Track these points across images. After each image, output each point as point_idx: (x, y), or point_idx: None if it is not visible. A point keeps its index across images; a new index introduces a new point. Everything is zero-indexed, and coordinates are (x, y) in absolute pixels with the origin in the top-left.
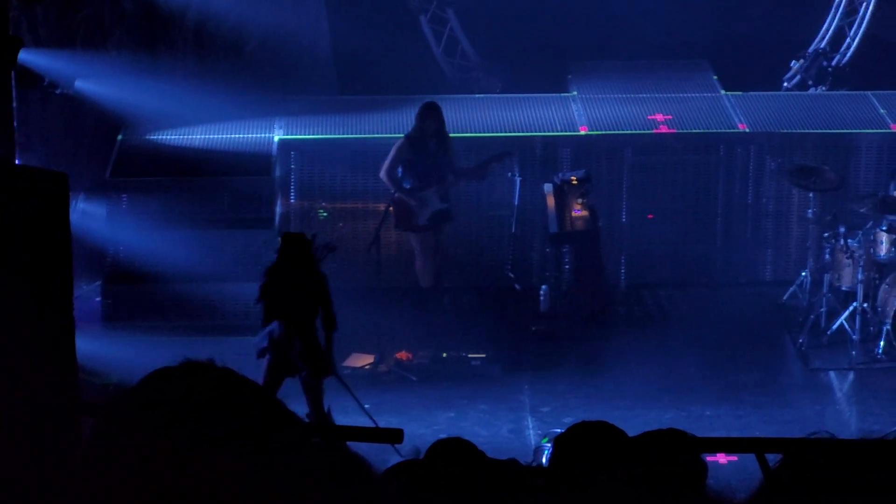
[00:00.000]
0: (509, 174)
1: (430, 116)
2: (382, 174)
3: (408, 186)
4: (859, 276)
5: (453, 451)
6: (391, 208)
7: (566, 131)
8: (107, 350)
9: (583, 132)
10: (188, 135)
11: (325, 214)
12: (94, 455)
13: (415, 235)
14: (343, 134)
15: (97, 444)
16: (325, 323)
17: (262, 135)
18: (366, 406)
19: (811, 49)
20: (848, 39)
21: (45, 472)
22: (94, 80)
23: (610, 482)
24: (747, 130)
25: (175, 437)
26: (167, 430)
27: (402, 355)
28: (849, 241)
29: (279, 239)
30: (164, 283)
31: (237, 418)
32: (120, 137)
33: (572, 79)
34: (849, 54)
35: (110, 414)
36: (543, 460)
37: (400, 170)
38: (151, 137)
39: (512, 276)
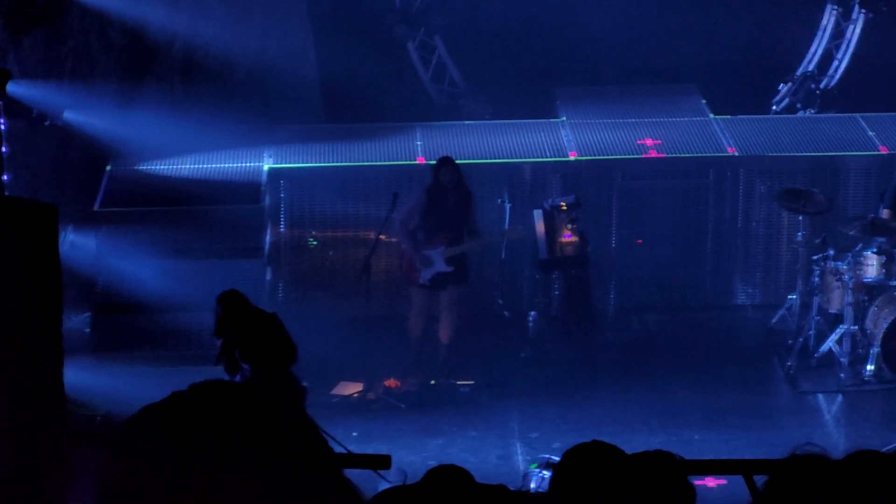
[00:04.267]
0: (499, 200)
1: (444, 169)
2: (396, 224)
3: (416, 240)
4: (848, 299)
5: (448, 477)
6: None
7: (555, 157)
8: (96, 381)
9: (572, 157)
10: (177, 165)
11: (315, 243)
12: (126, 460)
13: (414, 289)
14: (332, 162)
15: (129, 448)
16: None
17: (251, 164)
18: (353, 434)
19: (799, 72)
20: (836, 62)
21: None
22: (83, 111)
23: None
24: (736, 154)
25: (203, 448)
26: (196, 439)
27: (391, 383)
28: (838, 263)
29: (218, 306)
30: (154, 314)
31: (269, 442)
32: (108, 168)
33: (561, 104)
34: (837, 77)
35: (148, 418)
36: (532, 486)
37: (416, 221)
38: (140, 168)
39: (501, 302)
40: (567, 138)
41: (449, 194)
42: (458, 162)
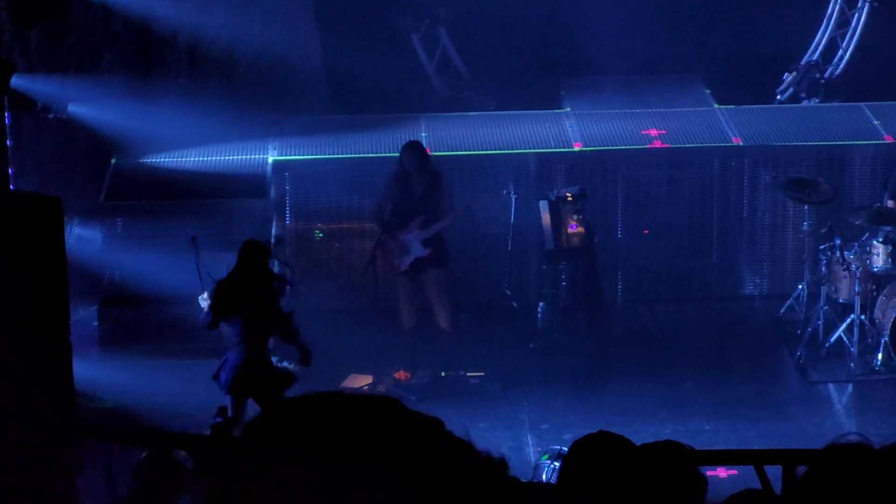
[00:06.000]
0: (504, 192)
1: (406, 155)
2: (370, 214)
3: (390, 227)
4: (856, 288)
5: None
6: (377, 251)
7: (560, 148)
8: (104, 374)
9: (577, 148)
10: (182, 157)
11: (321, 235)
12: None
13: (398, 279)
14: (337, 154)
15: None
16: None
17: (257, 156)
18: None
19: (803, 61)
20: (840, 51)
21: (42, 496)
22: (87, 104)
23: (613, 496)
24: (741, 144)
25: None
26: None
27: (401, 375)
28: (845, 252)
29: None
30: (161, 307)
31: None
32: (113, 161)
33: (565, 95)
34: (841, 66)
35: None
36: (543, 477)
37: (389, 208)
38: (145, 161)
39: (509, 293)
40: (572, 129)
41: (415, 179)
42: (462, 153)
